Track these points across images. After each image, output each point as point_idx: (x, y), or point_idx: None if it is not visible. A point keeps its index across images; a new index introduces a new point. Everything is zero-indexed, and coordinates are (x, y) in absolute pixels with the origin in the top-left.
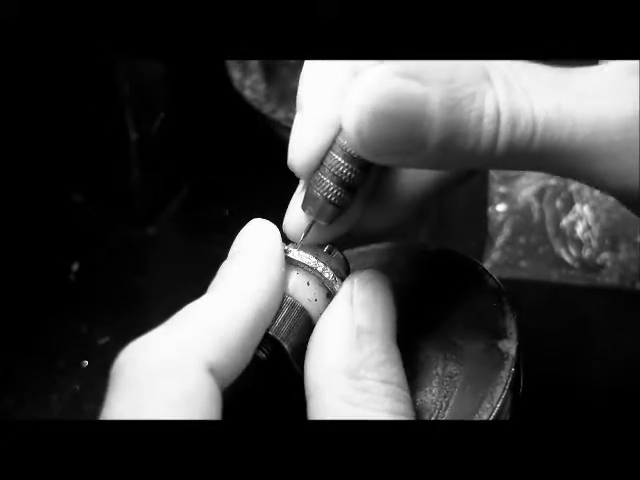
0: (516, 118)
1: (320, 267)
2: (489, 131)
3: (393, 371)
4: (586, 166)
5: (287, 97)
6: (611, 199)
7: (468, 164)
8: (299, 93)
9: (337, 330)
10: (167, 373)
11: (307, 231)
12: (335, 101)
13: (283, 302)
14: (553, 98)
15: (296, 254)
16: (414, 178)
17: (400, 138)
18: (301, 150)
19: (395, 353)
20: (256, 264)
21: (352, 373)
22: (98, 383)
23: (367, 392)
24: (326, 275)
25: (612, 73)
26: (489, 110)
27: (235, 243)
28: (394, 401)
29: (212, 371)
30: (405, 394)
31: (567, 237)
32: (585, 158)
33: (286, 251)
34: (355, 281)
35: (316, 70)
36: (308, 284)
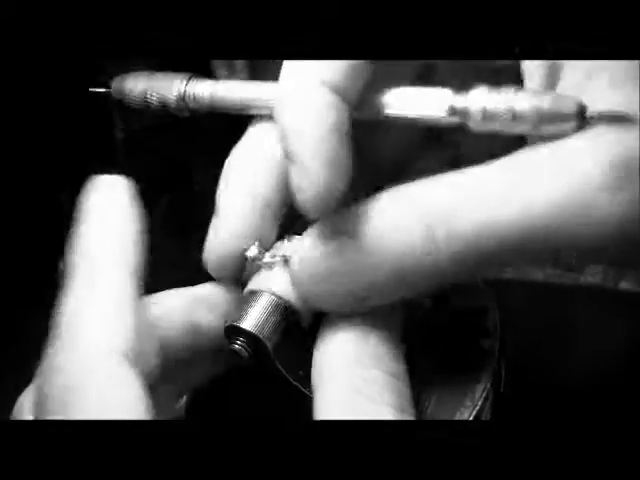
0: (453, 234)
1: None
2: (428, 254)
3: (399, 367)
4: (550, 246)
5: None
6: None
7: (425, 288)
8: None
9: (346, 319)
10: (92, 378)
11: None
12: (247, 216)
13: (266, 301)
14: (491, 204)
15: (284, 251)
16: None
17: (344, 289)
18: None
19: (401, 352)
20: (109, 229)
21: (361, 362)
22: None
23: (375, 383)
24: None
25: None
26: (421, 236)
27: (84, 205)
28: (398, 396)
29: (126, 356)
30: (408, 391)
31: None
32: (547, 241)
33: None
34: None
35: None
36: (282, 275)
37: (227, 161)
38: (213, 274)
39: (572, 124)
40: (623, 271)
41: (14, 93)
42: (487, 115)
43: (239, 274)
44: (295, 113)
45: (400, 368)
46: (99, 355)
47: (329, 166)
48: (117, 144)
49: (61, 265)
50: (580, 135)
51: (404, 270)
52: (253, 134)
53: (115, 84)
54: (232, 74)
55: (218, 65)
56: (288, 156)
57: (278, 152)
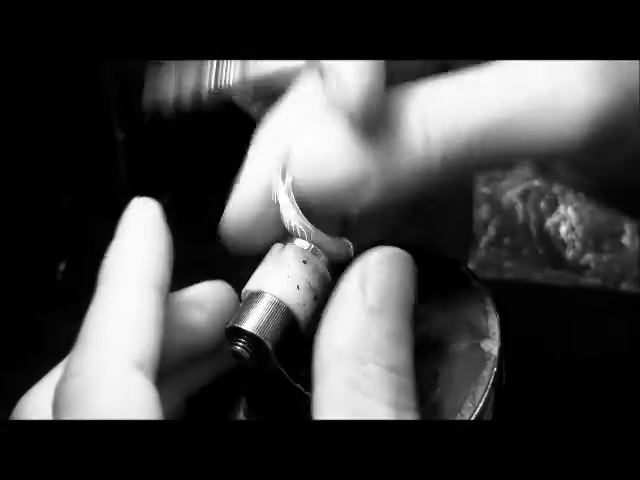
0: (441, 124)
1: (308, 270)
2: (420, 144)
3: (401, 358)
4: (527, 138)
5: (274, 98)
6: None
7: (415, 184)
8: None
9: (346, 311)
10: (102, 387)
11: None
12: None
13: (267, 302)
14: (471, 96)
15: (286, 257)
16: None
17: (340, 174)
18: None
19: (406, 338)
20: (141, 242)
21: (360, 355)
22: None
23: (374, 378)
24: (313, 279)
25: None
26: (414, 125)
27: (120, 224)
28: (398, 393)
29: (141, 367)
30: (409, 385)
31: (551, 238)
32: (523, 131)
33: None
34: (370, 259)
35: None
36: (298, 288)
37: (258, 132)
38: (229, 241)
39: None
40: (623, 273)
41: (14, 94)
42: None
43: (255, 244)
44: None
45: (404, 362)
46: (114, 363)
47: (363, 68)
48: (118, 144)
49: (61, 267)
50: None
51: (398, 167)
52: (285, 107)
53: (147, 93)
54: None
55: None
56: (325, 72)
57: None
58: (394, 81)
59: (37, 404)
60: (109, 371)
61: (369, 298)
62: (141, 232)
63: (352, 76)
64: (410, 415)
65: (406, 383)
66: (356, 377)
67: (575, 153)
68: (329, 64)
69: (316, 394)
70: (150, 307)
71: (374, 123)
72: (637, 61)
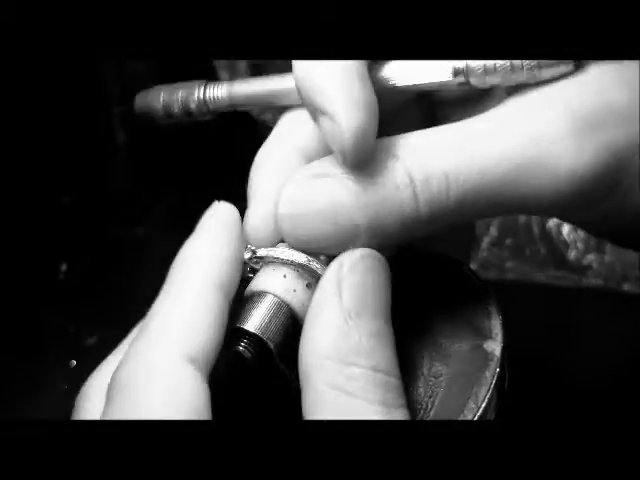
0: (428, 178)
1: (310, 271)
2: (408, 196)
3: (384, 356)
4: (510, 194)
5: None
6: None
7: (404, 233)
8: (250, 184)
9: (325, 315)
10: (151, 376)
11: None
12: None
13: (270, 302)
14: (457, 151)
15: (270, 250)
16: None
17: (329, 228)
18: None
19: (387, 336)
20: (211, 243)
21: (342, 359)
22: None
23: (358, 380)
24: (314, 280)
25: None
26: (402, 178)
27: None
28: (385, 391)
29: (193, 361)
30: (395, 381)
31: (553, 238)
32: (506, 187)
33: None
34: (344, 261)
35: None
36: (285, 277)
37: (257, 155)
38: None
39: (569, 67)
40: (625, 274)
41: (15, 94)
42: (487, 69)
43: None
44: (314, 71)
45: (387, 360)
46: (165, 354)
47: (355, 107)
48: (119, 145)
49: (62, 267)
50: (553, 83)
51: (386, 220)
52: (281, 126)
53: (138, 100)
54: (234, 75)
55: (220, 66)
56: (316, 113)
57: (305, 141)
58: (384, 129)
59: (101, 383)
60: (159, 361)
61: (345, 302)
62: (214, 235)
63: (345, 115)
64: (399, 412)
65: (391, 380)
66: (340, 380)
67: (560, 208)
68: (322, 102)
69: (303, 400)
70: (208, 307)
71: (366, 162)
72: (623, 121)
